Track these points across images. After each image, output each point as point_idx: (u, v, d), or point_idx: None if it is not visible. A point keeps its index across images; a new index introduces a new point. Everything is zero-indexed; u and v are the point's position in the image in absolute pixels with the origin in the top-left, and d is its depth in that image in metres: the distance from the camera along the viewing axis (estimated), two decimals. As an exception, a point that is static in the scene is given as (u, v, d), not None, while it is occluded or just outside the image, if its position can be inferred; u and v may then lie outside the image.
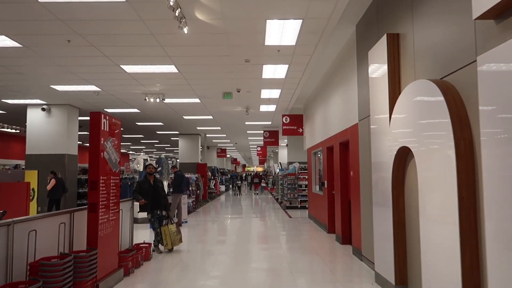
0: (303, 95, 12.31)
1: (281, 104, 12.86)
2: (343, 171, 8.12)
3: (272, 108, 13.42)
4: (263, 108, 13.38)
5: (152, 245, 7.24)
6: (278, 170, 26.10)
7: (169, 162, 12.96)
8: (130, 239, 6.81)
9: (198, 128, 18.84)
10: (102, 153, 4.95)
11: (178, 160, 21.57)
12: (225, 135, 22.19)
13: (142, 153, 12.49)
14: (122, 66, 8.16)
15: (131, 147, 31.21)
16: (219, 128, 18.76)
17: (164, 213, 7.43)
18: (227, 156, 42.24)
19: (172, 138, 24.13)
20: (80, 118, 14.90)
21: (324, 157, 9.98)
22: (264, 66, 8.28)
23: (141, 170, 12.27)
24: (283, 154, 28.70)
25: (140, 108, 13.19)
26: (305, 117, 13.42)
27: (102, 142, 4.95)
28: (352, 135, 7.02)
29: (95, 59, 7.68)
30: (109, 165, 5.17)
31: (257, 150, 28.04)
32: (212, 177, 25.27)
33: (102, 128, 4.98)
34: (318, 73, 9.50)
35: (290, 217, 13.33)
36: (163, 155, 13.12)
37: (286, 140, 21.88)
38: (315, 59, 7.94)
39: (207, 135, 21.77)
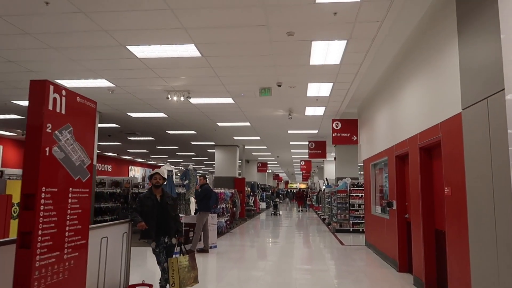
0: (358, 96, 10.00)
1: (331, 106, 10.61)
2: (426, 188, 5.72)
3: (319, 111, 11.20)
4: (309, 111, 11.19)
5: (159, 286, 5.23)
6: (324, 187, 23.62)
7: (197, 174, 11.08)
8: (125, 278, 4.82)
9: (235, 138, 16.93)
10: (48, 148, 3.01)
11: (213, 174, 19.75)
12: (265, 147, 20.13)
13: (167, 163, 10.60)
14: (129, 48, 6.36)
15: (168, 160, 29.96)
16: (258, 138, 16.73)
17: (174, 241, 5.39)
18: (268, 171, 40.16)
19: (209, 150, 22.44)
20: (104, 125, 13.51)
21: (391, 169, 7.59)
22: (313, 43, 6.15)
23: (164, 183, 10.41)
24: (330, 169, 26.18)
25: (166, 112, 11.46)
26: (360, 123, 11.07)
27: (49, 130, 3.02)
28: (447, 133, 4.67)
29: (93, 36, 5.93)
30: (65, 168, 3.22)
31: (301, 165, 25.70)
32: (252, 193, 23.23)
33: (51, 107, 3.05)
34: (383, 60, 7.23)
35: (342, 244, 10.87)
36: (191, 166, 11.23)
37: (333, 154, 19.42)
38: (384, 30, 5.70)
39: (245, 147, 19.82)
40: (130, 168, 31.98)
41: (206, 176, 9.42)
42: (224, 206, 13.17)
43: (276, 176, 48.06)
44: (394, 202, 7.27)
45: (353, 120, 11.30)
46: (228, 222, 13.40)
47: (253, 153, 23.52)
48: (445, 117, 4.74)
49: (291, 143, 18.24)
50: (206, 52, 6.56)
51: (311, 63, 7.04)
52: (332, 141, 11.20)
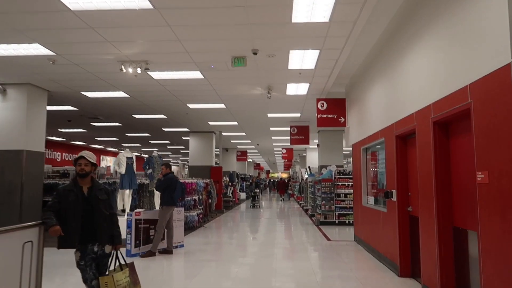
0: (346, 72, 8.73)
1: (316, 83, 9.26)
2: (442, 174, 4.44)
3: (303, 89, 9.84)
4: (291, 89, 9.82)
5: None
6: (306, 176, 22.47)
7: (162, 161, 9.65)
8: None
9: (210, 123, 15.44)
10: None
11: (187, 163, 18.25)
12: (244, 134, 18.71)
13: (126, 149, 9.11)
14: (56, -7, 4.82)
15: (142, 149, 28.22)
16: (235, 123, 15.30)
17: (107, 249, 3.95)
18: (249, 160, 38.87)
19: (184, 138, 20.87)
20: (58, 107, 11.82)
21: (389, 152, 6.31)
22: (296, -12, 4.75)
23: (122, 171, 8.93)
24: (313, 158, 25.05)
25: (127, 91, 9.89)
26: (348, 102, 9.77)
27: None
28: (483, 97, 3.36)
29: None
30: None
31: (282, 153, 24.43)
32: (230, 184, 21.86)
33: None
34: (380, 20, 5.90)
35: (328, 239, 9.63)
36: (155, 153, 9.78)
37: (316, 141, 18.22)
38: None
39: (223, 133, 18.37)
40: (101, 158, 30.09)
41: (171, 164, 7.97)
42: (196, 198, 11.77)
43: (257, 166, 46.78)
44: (394, 192, 6.01)
45: (341, 100, 10.00)
46: (201, 216, 12.00)
47: (232, 141, 22.08)
48: (479, 75, 3.43)
49: (271, 128, 16.89)
50: (158, 2, 5.06)
51: (294, 20, 5.64)
52: (317, 123, 9.87)
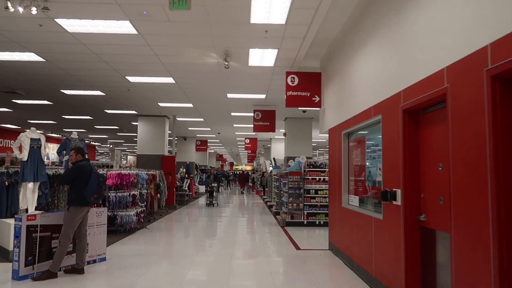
0: (323, 38, 6.81)
1: (287, 49, 7.27)
2: (507, 165, 2.56)
3: (269, 58, 7.83)
4: (255, 57, 7.77)
5: None
6: (270, 168, 20.63)
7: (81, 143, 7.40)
8: None
9: (161, 105, 13.14)
10: None
11: (128, 150, 15.85)
12: (202, 119, 16.50)
13: (32, 128, 6.74)
14: None
15: (90, 136, 25.22)
16: (190, 105, 13.09)
17: None
18: (211, 151, 36.67)
19: (134, 124, 18.36)
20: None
21: (389, 136, 4.42)
22: None
23: (24, 157, 6.56)
24: (278, 149, 23.26)
25: (39, 52, 7.49)
26: (325, 77, 7.87)
27: None
28: None
29: None
30: None
31: (246, 143, 22.43)
32: (187, 176, 19.62)
33: None
34: None
35: (297, 247, 7.73)
36: (74, 134, 7.49)
37: (283, 130, 16.36)
38: None
39: (177, 118, 16.10)
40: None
41: (83, 150, 5.70)
42: (137, 193, 9.53)
43: (220, 157, 44.57)
44: (398, 192, 4.14)
45: (315, 74, 8.07)
46: (142, 215, 9.78)
47: (189, 128, 19.80)
48: None
49: (233, 114, 14.81)
50: None
51: None
52: (286, 102, 7.91)
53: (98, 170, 6.66)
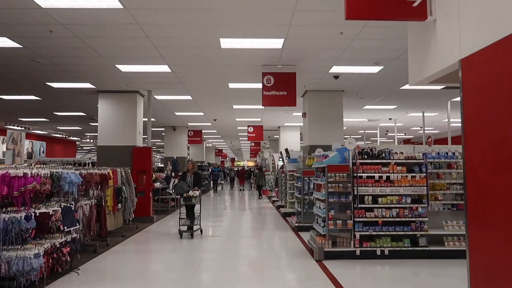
0: None
1: None
2: None
3: None
4: None
5: None
6: (281, 163, 16.23)
7: None
8: None
9: (121, 68, 8.74)
10: None
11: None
12: (190, 98, 12.05)
13: None
14: None
15: (59, 127, 20.68)
16: (167, 69, 8.67)
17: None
18: (208, 145, 32.24)
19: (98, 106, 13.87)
20: None
21: None
22: None
23: None
24: (290, 139, 18.87)
25: (7, 33, 3.06)
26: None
27: None
28: None
29: None
30: None
31: (249, 132, 18.00)
32: (174, 174, 15.26)
33: None
34: None
35: None
36: None
37: (295, 114, 11.91)
38: None
39: (155, 96, 11.68)
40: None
41: None
42: (50, 210, 5.13)
43: (220, 152, 40.17)
44: None
45: None
46: (66, 250, 5.35)
47: (177, 113, 15.37)
48: None
49: (231, 85, 10.36)
50: None
51: None
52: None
53: None
